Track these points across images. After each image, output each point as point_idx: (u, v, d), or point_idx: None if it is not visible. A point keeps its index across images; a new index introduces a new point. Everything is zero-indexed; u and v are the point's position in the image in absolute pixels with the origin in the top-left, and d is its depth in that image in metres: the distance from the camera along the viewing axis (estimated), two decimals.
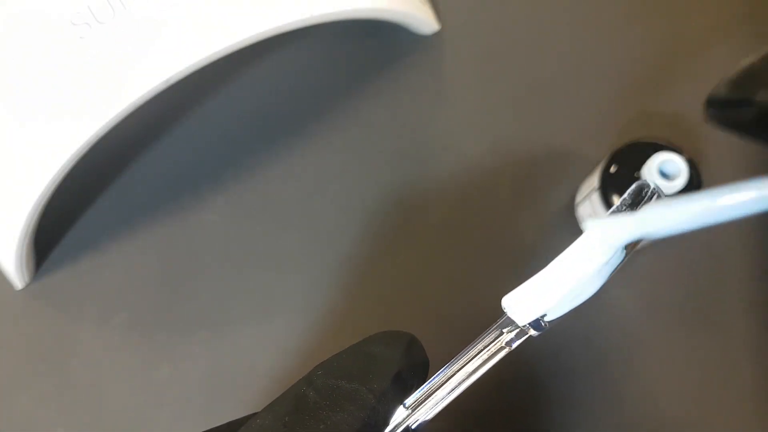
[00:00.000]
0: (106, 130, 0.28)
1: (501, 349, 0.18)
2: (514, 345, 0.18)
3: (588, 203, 0.31)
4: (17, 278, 0.33)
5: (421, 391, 0.18)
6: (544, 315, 0.18)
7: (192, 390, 0.32)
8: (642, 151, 0.29)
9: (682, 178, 0.27)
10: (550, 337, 0.32)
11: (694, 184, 0.28)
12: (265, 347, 0.32)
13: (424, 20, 0.36)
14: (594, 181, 0.31)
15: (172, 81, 0.28)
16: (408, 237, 0.34)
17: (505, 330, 0.19)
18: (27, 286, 0.33)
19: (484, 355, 0.18)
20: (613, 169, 0.30)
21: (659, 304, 0.32)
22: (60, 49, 0.28)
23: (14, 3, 0.29)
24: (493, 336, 0.19)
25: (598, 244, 0.17)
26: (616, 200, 0.29)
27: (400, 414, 0.18)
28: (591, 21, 0.37)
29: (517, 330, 0.19)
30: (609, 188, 0.30)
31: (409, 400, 0.18)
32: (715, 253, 0.33)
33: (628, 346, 0.32)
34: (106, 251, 0.34)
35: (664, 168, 0.28)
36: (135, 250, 0.34)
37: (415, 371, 0.19)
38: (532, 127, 0.35)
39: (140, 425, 0.31)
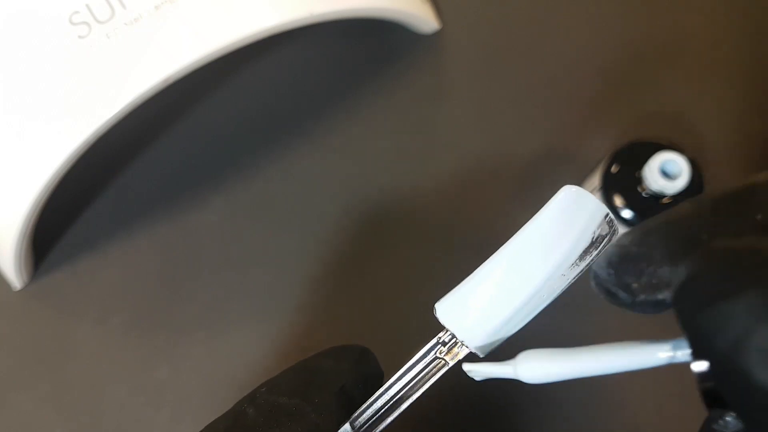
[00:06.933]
0: (104, 129, 0.28)
1: (439, 362, 0.17)
2: (451, 362, 0.17)
3: None
4: (16, 278, 0.32)
5: (365, 406, 0.17)
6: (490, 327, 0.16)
7: (191, 390, 0.32)
8: (643, 150, 0.29)
9: (683, 178, 0.27)
10: (550, 338, 0.32)
11: (695, 184, 0.28)
12: (265, 347, 0.32)
13: (424, 19, 0.35)
14: (595, 180, 0.30)
15: (172, 81, 0.28)
16: (408, 236, 0.34)
17: (444, 341, 0.17)
18: (25, 286, 0.33)
19: (423, 370, 0.17)
20: (614, 169, 0.30)
21: None
22: (59, 48, 0.28)
23: (13, 2, 0.29)
24: (430, 348, 0.17)
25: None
26: (618, 200, 0.29)
27: (346, 429, 0.17)
28: (591, 20, 0.37)
29: (454, 341, 0.17)
30: (610, 188, 0.30)
31: (355, 415, 0.17)
32: None
33: None
34: (105, 251, 0.34)
35: (666, 168, 0.28)
36: (134, 251, 0.34)
37: (364, 384, 0.18)
38: (532, 127, 0.35)
39: (140, 425, 0.31)
